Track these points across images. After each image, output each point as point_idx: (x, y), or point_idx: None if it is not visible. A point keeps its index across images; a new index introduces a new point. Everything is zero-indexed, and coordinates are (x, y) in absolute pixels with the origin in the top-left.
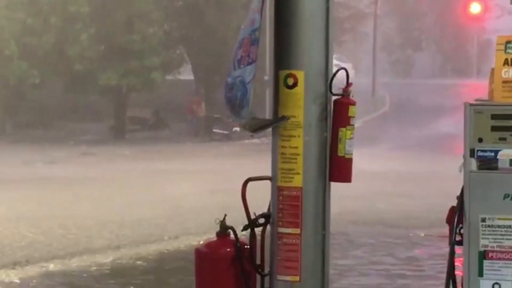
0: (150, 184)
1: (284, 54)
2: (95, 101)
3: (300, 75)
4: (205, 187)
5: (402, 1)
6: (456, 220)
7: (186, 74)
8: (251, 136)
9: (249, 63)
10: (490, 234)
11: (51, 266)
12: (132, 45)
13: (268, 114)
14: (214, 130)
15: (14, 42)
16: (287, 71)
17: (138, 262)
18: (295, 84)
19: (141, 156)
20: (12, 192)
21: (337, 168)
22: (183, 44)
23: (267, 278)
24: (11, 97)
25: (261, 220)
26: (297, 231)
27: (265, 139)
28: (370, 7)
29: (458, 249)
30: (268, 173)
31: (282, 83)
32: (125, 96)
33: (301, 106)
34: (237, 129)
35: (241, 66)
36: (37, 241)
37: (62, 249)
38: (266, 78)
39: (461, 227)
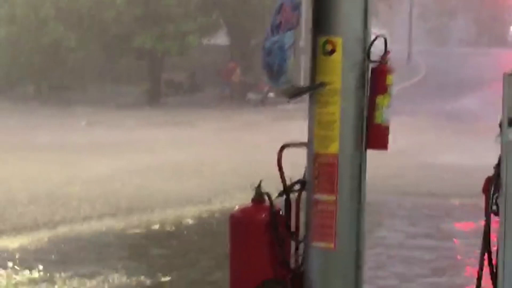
0: None
1: (322, 20)
2: (130, 64)
3: (338, 41)
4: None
5: None
6: (492, 190)
7: (222, 38)
8: (287, 102)
9: (289, 29)
10: None
11: None
12: (168, 9)
13: (302, 80)
14: (249, 96)
15: (50, 4)
16: (325, 37)
17: None
18: (333, 51)
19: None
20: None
21: (374, 135)
22: (218, 8)
23: (301, 245)
24: (47, 59)
25: (297, 187)
26: (333, 197)
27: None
28: None
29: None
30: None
31: (320, 50)
32: (160, 60)
33: (339, 73)
34: (271, 94)
35: (280, 32)
36: None
37: None
38: (301, 44)
39: (498, 197)
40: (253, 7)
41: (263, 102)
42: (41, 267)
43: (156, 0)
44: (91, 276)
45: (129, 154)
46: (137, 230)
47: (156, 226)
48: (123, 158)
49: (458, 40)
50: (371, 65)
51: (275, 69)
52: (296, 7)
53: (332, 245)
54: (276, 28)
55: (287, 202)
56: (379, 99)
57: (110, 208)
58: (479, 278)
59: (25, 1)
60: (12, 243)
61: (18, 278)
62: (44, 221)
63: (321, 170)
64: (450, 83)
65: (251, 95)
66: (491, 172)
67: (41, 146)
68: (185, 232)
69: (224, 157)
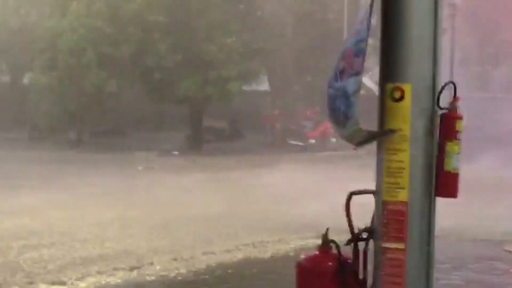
0: None
1: (391, 67)
2: (171, 110)
3: (407, 88)
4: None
5: (480, 15)
6: None
7: (262, 84)
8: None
9: (353, 75)
10: None
11: None
12: (210, 55)
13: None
14: (290, 142)
15: (92, 50)
16: (394, 84)
17: None
18: (401, 97)
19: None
20: None
21: (444, 183)
22: (260, 54)
23: None
24: (89, 105)
25: (365, 235)
26: (402, 246)
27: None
28: (447, 21)
29: None
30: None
31: (388, 96)
32: (201, 106)
33: (408, 119)
34: (313, 141)
35: (344, 78)
36: None
37: None
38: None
39: None
40: (294, 54)
41: (305, 148)
42: None
43: (198, 46)
44: None
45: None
46: None
47: None
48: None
49: (500, 86)
50: (440, 112)
51: (341, 115)
52: (360, 53)
53: None
54: (340, 73)
55: (355, 250)
56: (449, 146)
57: None
58: None
59: (67, 47)
60: None
61: None
62: None
63: (390, 218)
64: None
65: (293, 141)
66: None
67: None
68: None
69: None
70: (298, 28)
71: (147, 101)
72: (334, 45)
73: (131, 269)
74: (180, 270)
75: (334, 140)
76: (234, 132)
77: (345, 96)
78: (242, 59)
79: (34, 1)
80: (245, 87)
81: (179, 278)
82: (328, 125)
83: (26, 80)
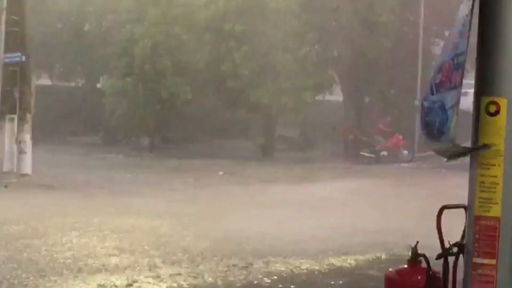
0: None
1: (487, 81)
2: (245, 118)
3: (503, 102)
4: None
5: None
6: None
7: (335, 95)
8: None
9: (451, 88)
10: None
11: None
12: (285, 64)
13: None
14: (362, 153)
15: (167, 57)
16: (490, 98)
17: None
18: (497, 112)
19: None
20: None
21: None
22: (334, 65)
23: None
24: (163, 111)
25: (455, 249)
26: (493, 262)
27: (413, 164)
28: None
29: None
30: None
31: (483, 110)
32: (274, 114)
33: (503, 134)
34: (385, 153)
35: (441, 91)
36: None
37: None
38: (416, 102)
39: None
40: (368, 65)
41: (376, 160)
42: None
43: (272, 55)
44: None
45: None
46: None
47: None
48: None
49: None
50: None
51: (435, 129)
52: (459, 66)
53: None
54: (437, 86)
55: (445, 265)
56: None
57: None
58: None
59: (142, 53)
60: None
61: None
62: None
63: (482, 233)
64: None
65: (365, 153)
66: None
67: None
68: None
69: None
70: (373, 39)
71: (221, 109)
72: (408, 57)
73: None
74: None
75: (406, 152)
76: (306, 141)
77: (442, 109)
78: (316, 69)
79: (110, 6)
80: (318, 97)
81: None
82: (399, 137)
83: (100, 85)
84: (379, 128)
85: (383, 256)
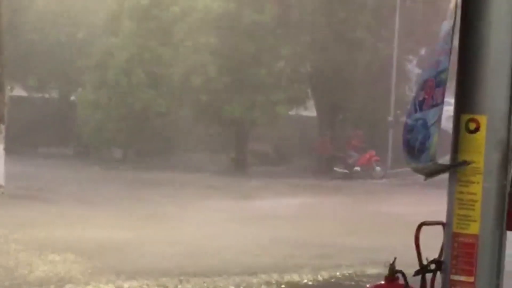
0: None
1: (467, 98)
2: (217, 132)
3: (483, 119)
4: None
5: None
6: None
7: (308, 110)
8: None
9: (433, 106)
10: None
11: None
12: (259, 78)
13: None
14: (335, 169)
15: (141, 70)
16: (469, 115)
17: None
18: (477, 129)
19: None
20: None
21: None
22: (308, 80)
23: None
24: (136, 124)
25: (432, 266)
26: (471, 279)
27: (385, 180)
28: None
29: None
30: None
31: (463, 128)
32: (247, 129)
33: (482, 151)
34: (358, 168)
35: (424, 108)
36: None
37: None
38: (390, 119)
39: None
40: (343, 81)
41: (350, 175)
42: None
43: (246, 69)
44: None
45: None
46: None
47: None
48: None
49: None
50: None
51: (416, 147)
52: (441, 83)
53: None
54: (420, 104)
55: (423, 281)
56: None
57: None
58: None
59: (117, 66)
60: None
61: None
62: None
63: (460, 250)
64: None
65: (338, 168)
66: None
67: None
68: None
69: None
70: (347, 55)
71: (194, 122)
72: (382, 73)
73: None
74: None
75: (378, 168)
76: (279, 156)
77: (425, 126)
78: (290, 83)
79: (84, 18)
80: (291, 112)
81: None
82: (373, 153)
83: (73, 97)
84: (352, 144)
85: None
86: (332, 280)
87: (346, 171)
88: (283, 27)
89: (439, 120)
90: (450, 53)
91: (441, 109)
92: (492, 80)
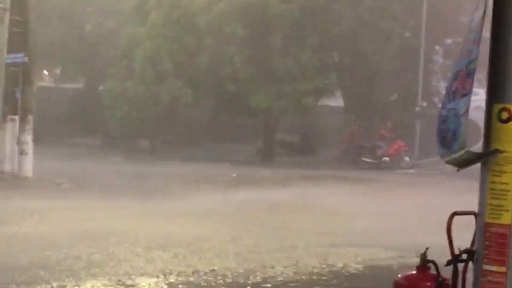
0: None
1: (499, 88)
2: (245, 122)
3: None
4: None
5: None
6: None
7: (336, 100)
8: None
9: (464, 95)
10: None
11: None
12: (286, 69)
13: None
14: (363, 159)
15: (168, 60)
16: (502, 105)
17: None
18: (509, 118)
19: None
20: None
21: None
22: (335, 70)
23: None
24: (163, 114)
25: (464, 256)
26: (503, 269)
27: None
28: None
29: None
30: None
31: (495, 117)
32: (274, 119)
33: None
34: (387, 159)
35: (456, 99)
36: None
37: None
38: (417, 109)
39: None
40: (369, 71)
41: (378, 165)
42: None
43: (273, 59)
44: None
45: None
46: None
47: None
48: None
49: None
50: None
51: (449, 136)
52: (471, 73)
53: None
54: (453, 94)
55: (455, 271)
56: None
57: None
58: None
59: (144, 56)
60: None
61: None
62: None
63: (492, 240)
64: None
65: (366, 158)
66: None
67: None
68: None
69: None
70: (374, 45)
71: (221, 112)
72: (409, 63)
73: None
74: None
75: (407, 158)
76: (306, 146)
77: (456, 116)
78: (317, 74)
79: (111, 9)
80: (320, 102)
81: None
82: (401, 143)
83: (101, 87)
84: (381, 134)
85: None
86: None
87: (374, 161)
88: (309, 17)
89: (468, 109)
90: (479, 43)
91: (470, 98)
92: None
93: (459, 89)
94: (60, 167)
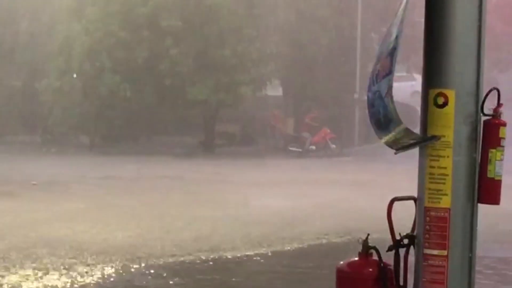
0: None
1: (434, 73)
2: (185, 115)
3: (450, 94)
4: None
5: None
6: None
7: (275, 90)
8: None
9: (384, 76)
10: None
11: None
12: (222, 60)
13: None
14: (290, 148)
15: (106, 54)
16: (438, 90)
17: None
18: (445, 103)
19: None
20: None
21: (486, 190)
22: (273, 60)
23: None
24: (102, 109)
25: (406, 241)
26: (444, 253)
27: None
28: None
29: None
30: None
31: (431, 102)
32: (214, 110)
33: (451, 126)
34: (313, 147)
35: (379, 81)
36: None
37: None
38: (355, 96)
39: None
40: (307, 60)
41: (303, 154)
42: None
43: (211, 51)
44: None
45: None
46: None
47: None
48: None
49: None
50: (483, 118)
51: (381, 118)
52: (391, 53)
53: None
54: (376, 77)
55: (396, 256)
56: (492, 152)
57: None
58: None
59: (81, 51)
60: None
61: None
62: None
63: (432, 224)
64: None
65: (292, 147)
66: None
67: None
68: None
69: None
70: (311, 34)
71: (161, 106)
72: (347, 51)
73: None
74: None
75: (333, 146)
76: (245, 137)
77: (380, 98)
78: (255, 64)
79: (47, 4)
80: (258, 93)
81: None
82: (327, 131)
83: (37, 84)
84: (305, 123)
85: None
86: None
87: (300, 150)
88: (245, 7)
89: (390, 89)
90: (400, 25)
91: (391, 79)
92: (460, 54)
93: (381, 71)
94: None
